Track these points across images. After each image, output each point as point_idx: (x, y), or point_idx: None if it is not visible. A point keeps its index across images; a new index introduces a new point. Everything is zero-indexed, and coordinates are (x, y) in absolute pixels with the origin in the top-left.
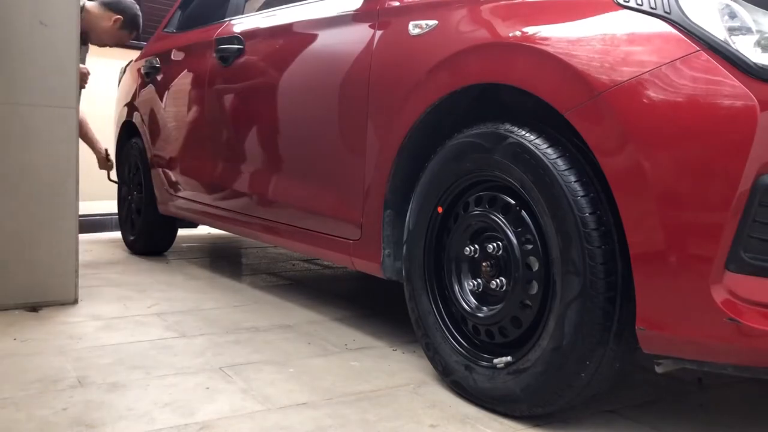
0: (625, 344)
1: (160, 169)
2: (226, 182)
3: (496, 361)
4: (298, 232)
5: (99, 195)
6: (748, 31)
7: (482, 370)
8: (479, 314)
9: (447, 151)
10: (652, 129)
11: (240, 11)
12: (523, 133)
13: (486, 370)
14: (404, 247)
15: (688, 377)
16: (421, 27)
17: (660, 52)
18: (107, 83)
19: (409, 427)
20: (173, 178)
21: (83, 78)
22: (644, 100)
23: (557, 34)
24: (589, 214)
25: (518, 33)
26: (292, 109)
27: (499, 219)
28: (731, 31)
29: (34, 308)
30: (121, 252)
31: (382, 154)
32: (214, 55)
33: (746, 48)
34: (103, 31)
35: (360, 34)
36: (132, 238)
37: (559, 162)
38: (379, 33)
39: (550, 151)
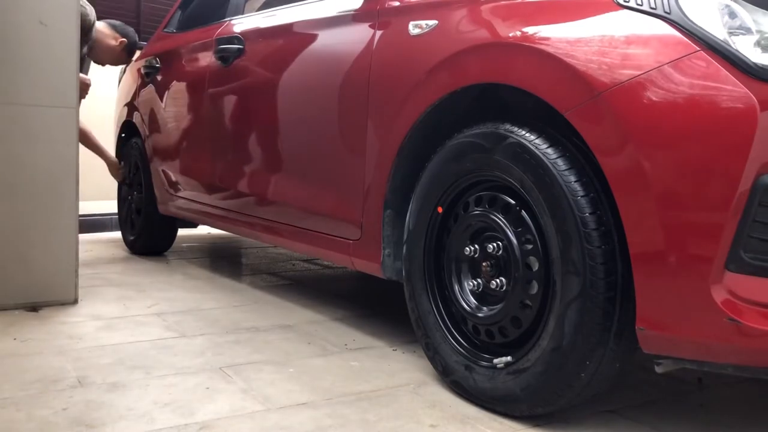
0: (625, 344)
1: (160, 169)
2: (227, 182)
3: (496, 361)
4: (298, 232)
5: (99, 195)
6: (748, 31)
7: (482, 370)
8: (479, 314)
9: (447, 151)
10: (652, 129)
11: (240, 11)
12: (523, 133)
13: (486, 370)
14: (404, 247)
15: (688, 377)
16: (421, 27)
17: (660, 52)
18: (107, 83)
19: (409, 427)
20: (173, 178)
21: (84, 88)
22: (644, 100)
23: (557, 34)
24: (589, 214)
25: (518, 33)
26: (293, 109)
27: (499, 219)
28: (731, 31)
29: (34, 308)
30: (121, 252)
31: (382, 154)
32: (214, 55)
33: (746, 48)
34: (109, 49)
35: (360, 34)
36: (132, 238)
37: (559, 162)
38: (379, 33)
39: (550, 151)
